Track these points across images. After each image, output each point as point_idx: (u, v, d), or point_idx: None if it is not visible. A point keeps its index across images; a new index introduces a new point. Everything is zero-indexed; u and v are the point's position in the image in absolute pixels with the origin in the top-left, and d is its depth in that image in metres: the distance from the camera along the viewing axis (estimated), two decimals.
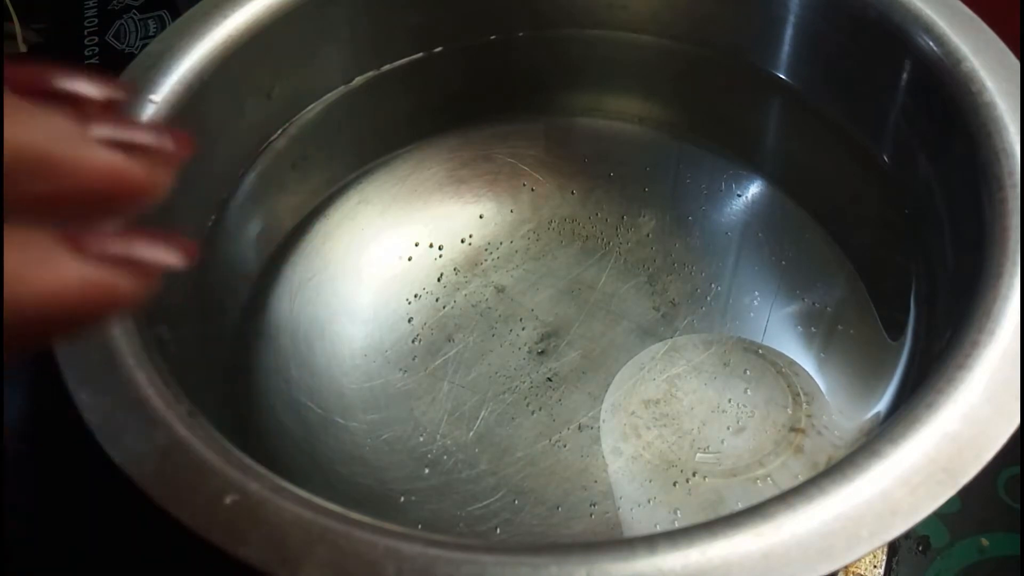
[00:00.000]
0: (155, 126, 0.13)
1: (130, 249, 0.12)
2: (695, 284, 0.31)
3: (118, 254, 0.12)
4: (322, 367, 0.30)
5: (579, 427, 0.28)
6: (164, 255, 0.13)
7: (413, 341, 0.31)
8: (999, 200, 0.24)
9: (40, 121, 0.11)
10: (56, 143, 0.12)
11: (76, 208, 0.12)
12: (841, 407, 0.28)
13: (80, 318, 0.12)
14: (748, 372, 0.29)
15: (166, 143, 0.13)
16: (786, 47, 0.33)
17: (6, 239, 0.11)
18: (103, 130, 0.12)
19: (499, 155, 0.35)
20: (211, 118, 0.30)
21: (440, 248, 0.33)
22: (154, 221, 0.27)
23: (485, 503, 0.27)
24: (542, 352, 0.30)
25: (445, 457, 0.28)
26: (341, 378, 0.30)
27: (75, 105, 0.12)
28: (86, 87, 0.13)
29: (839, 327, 0.30)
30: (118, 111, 0.12)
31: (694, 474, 0.27)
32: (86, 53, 0.44)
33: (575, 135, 0.36)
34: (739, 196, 0.34)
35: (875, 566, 0.29)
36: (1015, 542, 0.30)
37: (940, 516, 0.30)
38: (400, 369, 0.30)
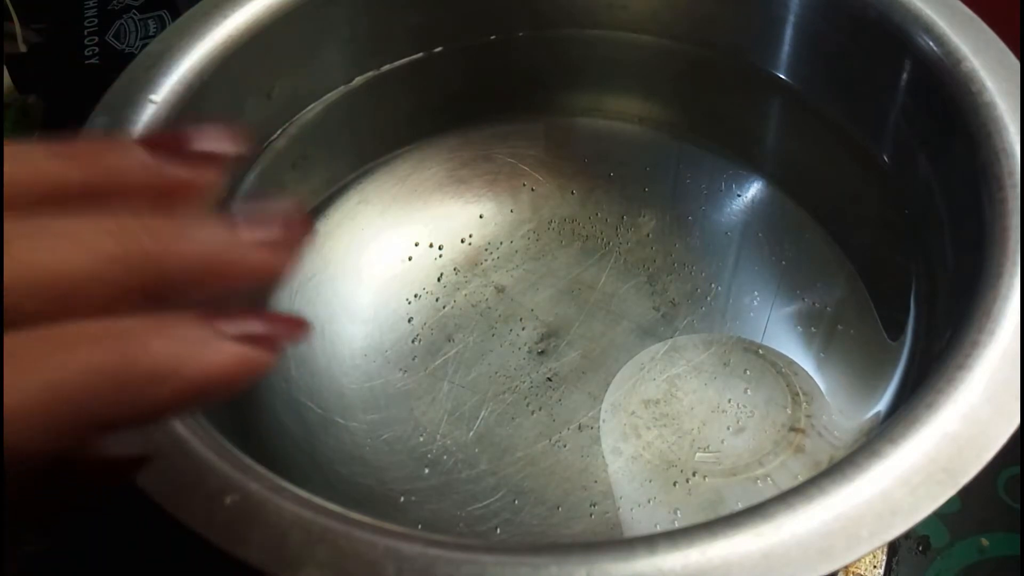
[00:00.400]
0: (287, 220, 0.15)
1: (264, 328, 0.14)
2: (695, 284, 0.31)
3: (256, 333, 0.14)
4: (322, 367, 0.30)
5: (579, 427, 0.28)
6: (287, 331, 0.15)
7: (413, 341, 0.31)
8: (999, 200, 0.24)
9: (207, 230, 0.14)
10: (223, 250, 0.14)
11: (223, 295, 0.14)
12: (841, 407, 0.28)
13: (231, 387, 0.14)
14: (748, 372, 0.29)
15: (295, 234, 0.15)
16: (786, 47, 0.33)
17: (175, 328, 0.13)
18: (253, 233, 0.14)
19: (499, 155, 0.35)
20: (211, 117, 0.30)
21: (440, 248, 0.33)
22: None
23: (485, 503, 0.27)
24: (542, 352, 0.30)
25: (445, 457, 0.28)
26: (341, 378, 0.30)
27: (212, 161, 0.15)
28: (223, 145, 0.15)
29: (839, 327, 0.30)
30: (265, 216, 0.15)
31: (694, 474, 0.27)
32: (86, 53, 0.44)
33: (575, 135, 0.36)
34: (739, 196, 0.34)
35: (875, 566, 0.29)
36: (1015, 542, 0.30)
37: (940, 516, 0.30)
38: (400, 369, 0.30)
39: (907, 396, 0.22)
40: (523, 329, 0.31)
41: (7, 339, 0.12)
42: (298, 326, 0.15)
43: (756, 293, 0.31)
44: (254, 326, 0.14)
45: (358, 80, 0.35)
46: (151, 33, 0.44)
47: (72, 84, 0.43)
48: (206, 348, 0.13)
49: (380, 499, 0.27)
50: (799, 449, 0.28)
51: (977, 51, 0.27)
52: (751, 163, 0.34)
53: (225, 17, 0.30)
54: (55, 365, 0.12)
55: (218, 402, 0.14)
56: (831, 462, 0.20)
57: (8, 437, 0.11)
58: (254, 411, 0.29)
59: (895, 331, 0.29)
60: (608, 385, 0.29)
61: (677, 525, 0.19)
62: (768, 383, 0.29)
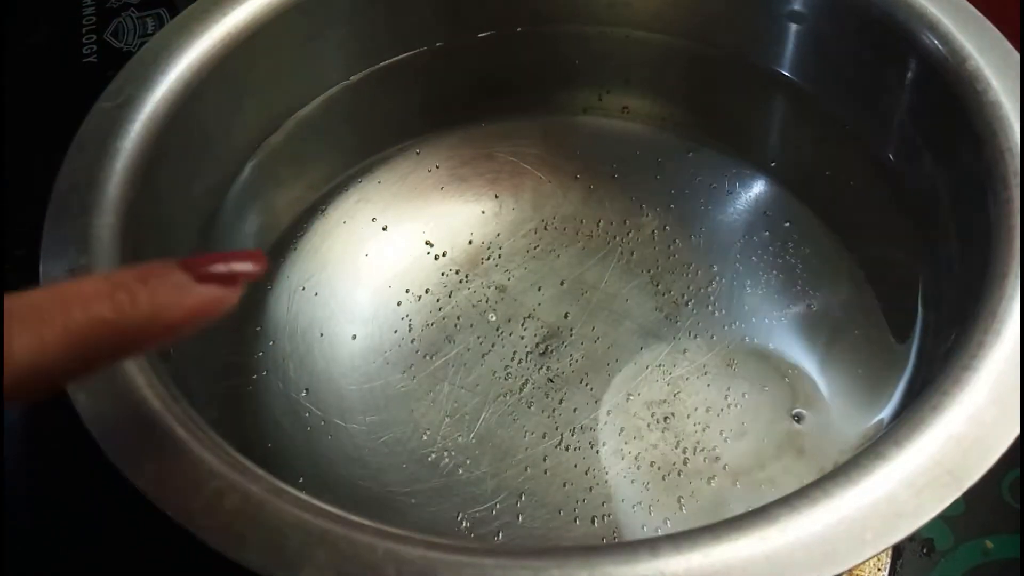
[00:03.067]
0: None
1: (228, 267, 0.18)
2: (698, 284, 0.31)
3: (222, 272, 0.18)
4: (321, 368, 0.30)
5: (580, 429, 0.28)
6: (248, 267, 0.18)
7: (413, 342, 0.30)
8: (1004, 200, 0.24)
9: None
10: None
11: None
12: (846, 409, 0.28)
13: (204, 323, 0.18)
14: (752, 374, 0.29)
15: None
16: (790, 45, 0.33)
17: (157, 279, 0.17)
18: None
19: (500, 153, 0.35)
20: (209, 115, 0.30)
21: (440, 248, 0.33)
22: (155, 219, 0.27)
23: (486, 505, 0.27)
24: (543, 353, 0.30)
25: (446, 459, 0.28)
26: (340, 379, 0.30)
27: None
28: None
29: (844, 328, 0.30)
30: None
31: (697, 476, 0.27)
32: (84, 52, 0.44)
33: (577, 133, 0.36)
34: (743, 195, 0.33)
35: (879, 569, 0.29)
36: (1019, 544, 0.30)
37: (944, 518, 0.30)
38: (400, 370, 0.30)
39: (914, 398, 0.22)
40: (524, 329, 0.31)
41: (36, 294, 0.16)
42: (256, 260, 0.19)
43: (760, 293, 0.31)
44: (220, 267, 0.18)
45: (357, 76, 0.35)
46: (149, 31, 0.44)
47: (70, 83, 0.42)
48: (182, 294, 0.17)
49: (380, 501, 0.27)
50: (803, 452, 0.27)
51: (982, 50, 0.26)
52: (755, 162, 0.34)
53: (224, 14, 0.29)
54: (68, 318, 0.16)
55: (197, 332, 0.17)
56: (835, 465, 0.20)
57: (40, 367, 0.16)
58: (253, 412, 0.29)
59: (902, 332, 0.29)
60: (610, 386, 0.29)
61: (680, 528, 0.19)
62: (772, 385, 0.29)
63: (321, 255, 0.32)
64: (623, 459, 0.28)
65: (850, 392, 0.28)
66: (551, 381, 0.29)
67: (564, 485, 0.27)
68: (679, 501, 0.27)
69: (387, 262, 0.32)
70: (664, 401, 0.29)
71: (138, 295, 0.17)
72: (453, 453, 0.28)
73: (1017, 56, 0.26)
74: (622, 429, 0.28)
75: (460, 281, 0.32)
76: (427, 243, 0.33)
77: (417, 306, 0.31)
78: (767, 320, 0.30)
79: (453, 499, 0.27)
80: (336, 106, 0.35)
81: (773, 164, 0.34)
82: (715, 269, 0.32)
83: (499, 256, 0.32)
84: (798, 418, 0.28)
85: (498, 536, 0.26)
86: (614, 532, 0.26)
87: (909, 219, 0.30)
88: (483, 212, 0.34)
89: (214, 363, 0.29)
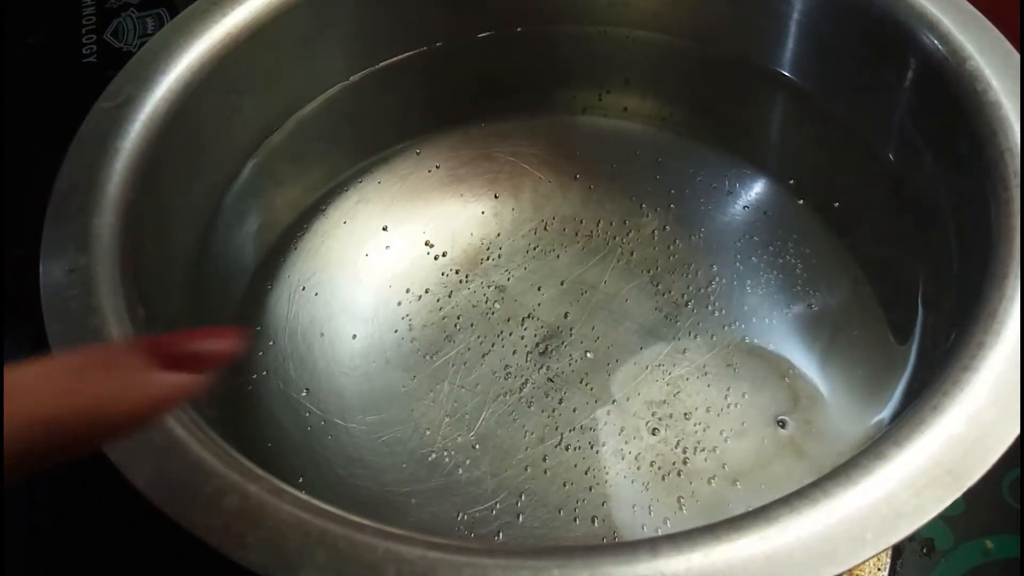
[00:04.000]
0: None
1: (196, 349, 0.16)
2: (698, 284, 0.31)
3: (189, 354, 0.16)
4: (321, 368, 0.30)
5: (580, 428, 0.28)
6: (221, 346, 0.16)
7: (413, 341, 0.30)
8: (1004, 200, 0.24)
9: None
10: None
11: None
12: (846, 409, 0.28)
13: (165, 411, 0.16)
14: (751, 374, 0.29)
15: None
16: (790, 44, 0.33)
17: (112, 368, 0.15)
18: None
19: (500, 153, 0.35)
20: (209, 115, 0.30)
21: (441, 248, 0.33)
22: (155, 219, 0.27)
23: (486, 505, 0.27)
24: (543, 353, 0.30)
25: (446, 459, 0.28)
26: (340, 379, 0.30)
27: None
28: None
29: (845, 328, 0.30)
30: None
31: (697, 476, 0.27)
32: (84, 52, 0.44)
33: (577, 133, 0.36)
34: (743, 195, 0.33)
35: (879, 569, 0.29)
36: (1019, 544, 0.30)
37: (944, 519, 0.30)
38: (400, 370, 0.30)
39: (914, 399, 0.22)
40: (524, 329, 0.31)
41: None
42: (231, 338, 0.16)
43: (761, 294, 0.31)
44: (187, 348, 0.16)
45: (357, 76, 0.35)
46: (149, 31, 0.44)
47: (70, 83, 0.42)
48: (139, 383, 0.15)
49: (380, 501, 0.27)
50: (803, 452, 0.27)
51: (982, 50, 0.26)
52: (755, 162, 0.34)
53: (224, 15, 0.29)
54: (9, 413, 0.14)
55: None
56: (835, 465, 0.20)
57: None
58: (253, 412, 0.29)
59: (902, 333, 0.29)
60: (610, 386, 0.29)
61: (680, 528, 0.19)
62: (772, 385, 0.29)
63: (321, 255, 0.32)
64: (623, 459, 0.28)
65: (850, 392, 0.28)
66: (551, 381, 0.29)
67: (564, 485, 0.27)
68: (679, 501, 0.27)
69: (387, 262, 0.32)
70: (664, 401, 0.29)
71: (90, 383, 0.15)
72: (453, 453, 0.28)
73: (1017, 56, 0.26)
74: (622, 429, 0.28)
75: (460, 281, 0.32)
76: (427, 243, 0.33)
77: (417, 306, 0.31)
78: (767, 320, 0.30)
79: (453, 499, 0.27)
80: (336, 106, 0.35)
81: (773, 164, 0.34)
82: (715, 269, 0.32)
83: (499, 256, 0.32)
84: (797, 418, 0.28)
85: (498, 536, 0.26)
86: (614, 532, 0.26)
87: (909, 219, 0.30)
88: (483, 212, 0.34)
89: None
